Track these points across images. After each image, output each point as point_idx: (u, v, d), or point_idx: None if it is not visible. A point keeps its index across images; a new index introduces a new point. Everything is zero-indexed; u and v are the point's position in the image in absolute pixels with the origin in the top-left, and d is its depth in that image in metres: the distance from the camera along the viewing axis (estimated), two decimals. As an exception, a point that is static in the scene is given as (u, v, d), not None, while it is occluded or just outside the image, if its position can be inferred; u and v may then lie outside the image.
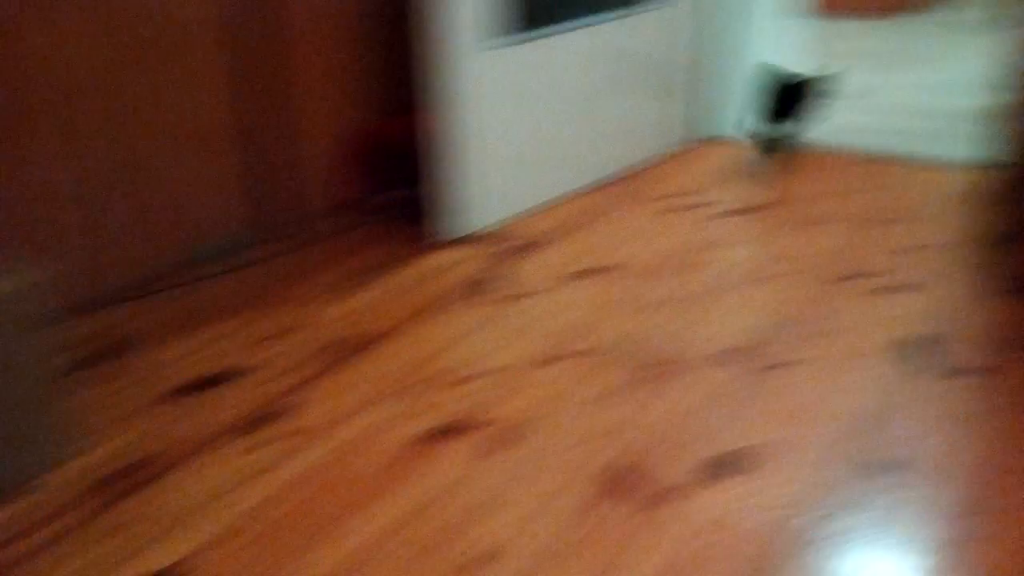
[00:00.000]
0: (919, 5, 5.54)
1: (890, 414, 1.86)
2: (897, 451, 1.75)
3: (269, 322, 2.44)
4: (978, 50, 4.65)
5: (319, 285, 2.64)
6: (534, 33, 2.86)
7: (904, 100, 3.89)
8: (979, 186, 2.89)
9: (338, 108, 3.18)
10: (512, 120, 2.91)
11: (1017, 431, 1.77)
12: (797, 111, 3.15)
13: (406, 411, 2.00)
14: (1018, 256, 2.22)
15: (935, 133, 3.44)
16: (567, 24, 2.93)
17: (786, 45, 3.89)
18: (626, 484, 1.73)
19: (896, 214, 2.75)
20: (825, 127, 3.60)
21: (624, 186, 3.17)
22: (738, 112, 3.43)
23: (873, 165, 3.16)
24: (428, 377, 2.13)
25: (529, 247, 2.78)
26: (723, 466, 1.75)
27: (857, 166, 3.15)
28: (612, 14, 3.03)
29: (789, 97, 3.12)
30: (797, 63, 3.65)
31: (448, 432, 1.93)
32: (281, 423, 1.99)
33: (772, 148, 3.21)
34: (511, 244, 2.81)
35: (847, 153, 3.30)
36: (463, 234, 2.90)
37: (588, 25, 2.97)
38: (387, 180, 3.16)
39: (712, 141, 3.54)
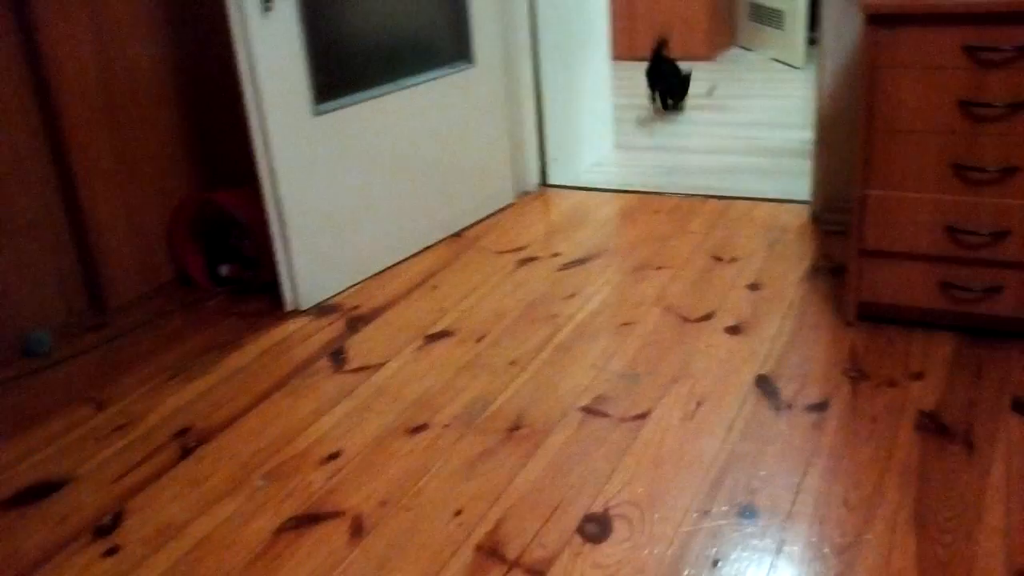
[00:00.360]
0: (710, 50, 5.88)
1: (746, 456, 1.93)
2: (757, 494, 1.81)
3: (106, 417, 2.28)
4: (794, 85, 4.97)
5: (158, 371, 2.50)
6: (356, 97, 2.85)
7: (727, 139, 4.10)
8: (807, 221, 3.07)
9: (172, 183, 3.05)
10: (344, 185, 2.87)
11: (860, 463, 1.87)
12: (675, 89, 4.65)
13: (266, 499, 1.91)
14: (850, 287, 2.37)
15: (761, 170, 3.64)
16: (387, 87, 2.93)
17: (607, 89, 4.04)
18: (503, 555, 1.71)
19: (734, 253, 2.89)
20: (654, 170, 3.75)
21: (466, 242, 3.18)
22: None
23: (705, 205, 3.31)
24: (286, 460, 2.05)
25: (377, 313, 2.74)
26: (599, 525, 1.76)
27: (689, 207, 3.29)
28: (428, 76, 3.06)
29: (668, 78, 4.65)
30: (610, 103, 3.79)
31: (314, 517, 1.85)
32: (131, 526, 1.86)
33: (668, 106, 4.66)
34: (358, 312, 2.76)
35: (679, 195, 3.44)
36: (308, 306, 2.82)
37: (407, 87, 2.99)
38: (227, 254, 3.04)
39: (545, 192, 3.62)
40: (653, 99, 4.80)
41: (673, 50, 6.00)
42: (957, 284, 2.24)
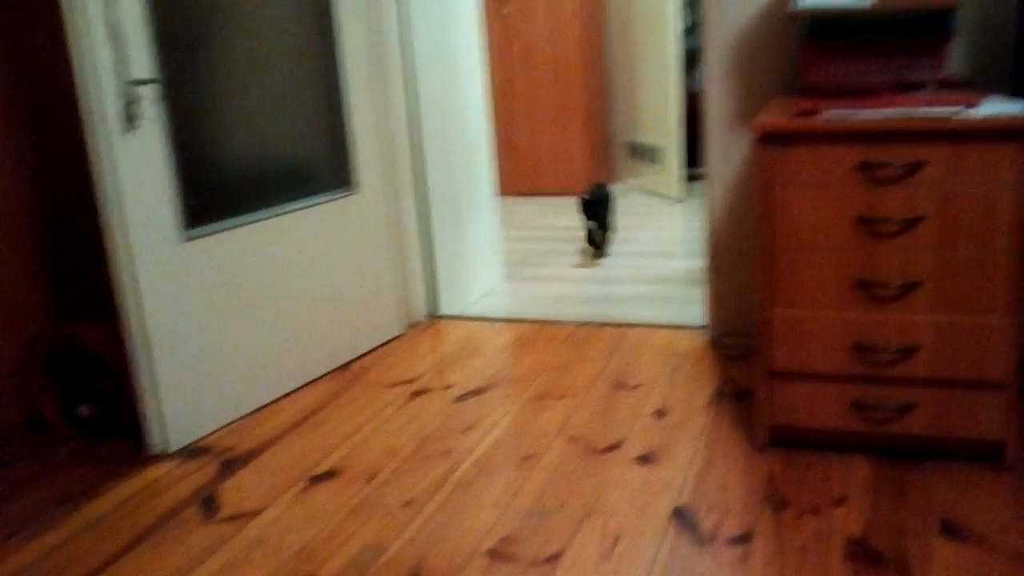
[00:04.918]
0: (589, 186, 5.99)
1: (671, 595, 1.75)
2: (688, 636, 1.63)
3: (-73, 586, 1.94)
4: (674, 218, 5.04)
5: (1, 524, 2.17)
6: (229, 223, 2.67)
7: (615, 268, 4.07)
8: (704, 345, 3.01)
9: (24, 315, 2.76)
10: (216, 316, 2.65)
11: (795, 595, 1.73)
12: (605, 212, 4.34)
13: None
14: (760, 410, 2.27)
15: (652, 298, 3.60)
16: (263, 212, 2.77)
17: (494, 221, 3.98)
18: None
19: (636, 379, 2.78)
20: (546, 299, 3.66)
21: (353, 376, 2.98)
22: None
23: (601, 332, 3.22)
24: (147, 629, 1.76)
25: (254, 455, 2.48)
26: None
27: (586, 335, 3.19)
28: (307, 202, 2.92)
29: (598, 206, 4.30)
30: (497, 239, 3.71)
31: None
32: None
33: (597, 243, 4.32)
34: (233, 453, 2.50)
35: (571, 323, 3.34)
36: (176, 448, 2.54)
37: (287, 213, 2.83)
38: (85, 394, 2.74)
39: (436, 320, 3.47)
40: (594, 238, 4.35)
41: (553, 185, 6.09)
42: (869, 404, 2.17)
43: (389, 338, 3.30)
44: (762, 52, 2.76)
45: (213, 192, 2.65)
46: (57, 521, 2.19)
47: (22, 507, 2.27)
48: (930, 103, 2.07)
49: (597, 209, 4.31)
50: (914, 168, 2.02)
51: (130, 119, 2.36)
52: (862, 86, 2.33)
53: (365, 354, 3.18)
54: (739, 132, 2.86)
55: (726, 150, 2.89)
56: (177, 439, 2.55)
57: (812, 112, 2.12)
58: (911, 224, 2.05)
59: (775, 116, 2.15)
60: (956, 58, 2.58)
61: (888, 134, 2.02)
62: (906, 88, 2.29)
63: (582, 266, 4.16)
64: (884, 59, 2.40)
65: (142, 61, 2.37)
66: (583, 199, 4.30)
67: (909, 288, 2.08)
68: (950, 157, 1.99)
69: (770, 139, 2.11)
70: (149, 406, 2.50)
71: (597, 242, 4.34)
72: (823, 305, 2.15)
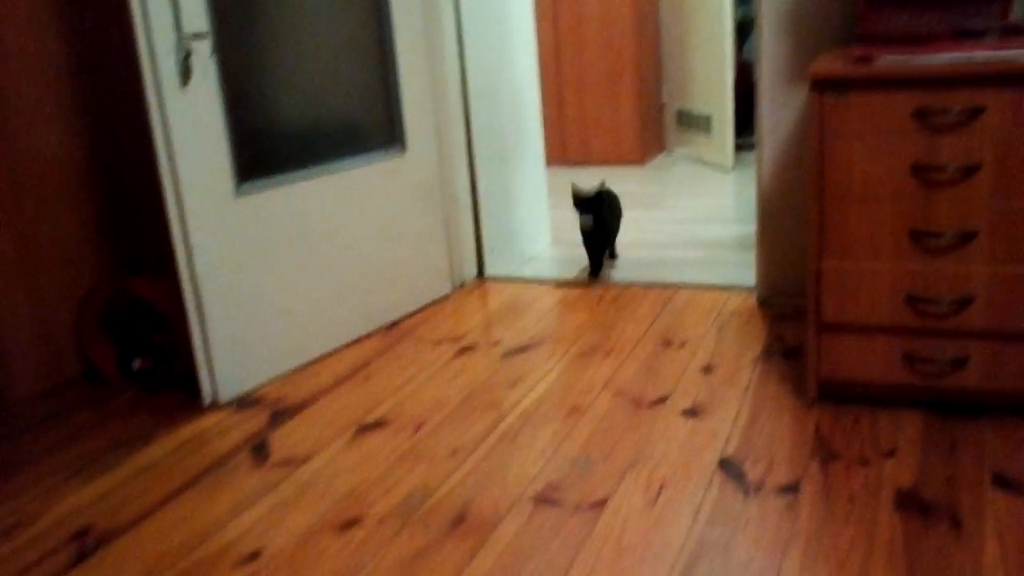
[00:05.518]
0: (640, 155, 5.94)
1: (716, 543, 1.75)
2: (733, 579, 1.63)
3: (-10, 521, 2.01)
4: (724, 186, 4.98)
5: (58, 469, 2.23)
6: (282, 179, 2.70)
7: (665, 233, 4.05)
8: (753, 306, 2.98)
9: (81, 271, 2.82)
10: (268, 272, 2.68)
11: (840, 545, 1.71)
12: (602, 214, 3.44)
13: (174, 608, 1.66)
14: (810, 364, 2.25)
15: (702, 262, 3.57)
16: (315, 170, 2.79)
17: (542, 185, 3.97)
18: (451, 660, 1.48)
19: (683, 337, 2.76)
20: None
21: (400, 333, 3.00)
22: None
23: (649, 293, 3.20)
24: (198, 562, 1.80)
25: (303, 406, 2.52)
26: (556, 622, 1.55)
27: (633, 295, 3.18)
28: (359, 160, 2.94)
29: (594, 203, 3.41)
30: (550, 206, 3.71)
31: (229, 627, 1.60)
32: (9, 646, 1.58)
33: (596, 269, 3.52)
34: (283, 404, 2.54)
35: (621, 284, 3.33)
36: (228, 399, 2.59)
37: (338, 171, 2.85)
38: (140, 347, 2.80)
39: (483, 281, 3.47)
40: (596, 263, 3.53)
41: (603, 156, 6.05)
42: (921, 357, 2.13)
43: (436, 298, 3.32)
44: (817, 6, 2.71)
45: (265, 148, 2.68)
46: (113, 464, 2.25)
47: (80, 451, 2.33)
48: (992, 49, 2.02)
49: (593, 206, 3.41)
50: (973, 114, 1.97)
51: (185, 74, 2.39)
52: (921, 33, 2.28)
53: (413, 313, 3.20)
54: (793, 91, 2.81)
55: (779, 109, 2.84)
56: (229, 390, 2.59)
57: (869, 58, 2.07)
58: (968, 172, 2.00)
59: (831, 62, 2.11)
60: (1020, 6, 2.50)
61: (948, 79, 1.97)
62: (967, 35, 2.24)
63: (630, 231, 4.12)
64: (945, 6, 2.33)
65: (197, 14, 2.40)
66: (576, 193, 3.44)
67: (964, 238, 2.03)
68: (1012, 103, 1.94)
69: (825, 86, 2.07)
70: (202, 358, 2.54)
71: (594, 252, 3.48)
72: (875, 256, 2.11)
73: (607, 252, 3.66)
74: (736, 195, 4.77)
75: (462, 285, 3.47)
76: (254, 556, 1.81)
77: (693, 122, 5.81)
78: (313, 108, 2.82)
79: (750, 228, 3.99)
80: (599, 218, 3.43)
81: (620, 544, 1.76)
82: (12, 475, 2.23)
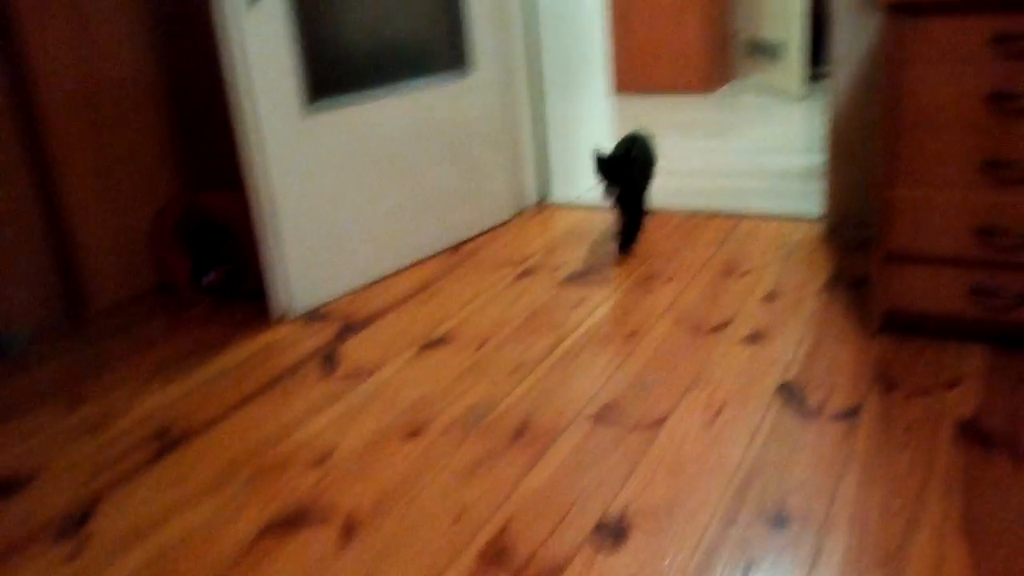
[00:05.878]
0: (708, 84, 5.83)
1: (773, 463, 1.78)
2: (787, 502, 1.66)
3: (80, 416, 2.12)
4: (793, 116, 4.90)
5: (138, 372, 2.34)
6: (350, 98, 2.73)
7: (731, 163, 4.01)
8: (820, 236, 2.96)
9: (157, 184, 2.91)
10: (337, 189, 2.74)
11: (897, 471, 1.73)
12: (632, 180, 2.92)
13: (248, 501, 1.75)
14: (875, 294, 2.24)
15: (768, 191, 3.54)
16: (383, 89, 2.81)
17: (606, 113, 3.95)
18: (509, 563, 1.54)
19: (747, 266, 2.76)
20: (657, 190, 3.63)
21: (463, 255, 3.04)
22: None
23: (712, 222, 3.19)
24: (272, 462, 1.88)
25: (370, 321, 2.59)
26: (613, 533, 1.60)
27: (696, 224, 3.17)
28: (425, 80, 2.95)
29: (620, 170, 2.87)
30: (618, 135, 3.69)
31: (301, 520, 1.68)
32: (99, 525, 1.69)
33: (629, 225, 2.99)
34: (352, 319, 2.61)
35: (683, 213, 3.32)
36: (298, 313, 2.67)
37: (405, 92, 2.87)
38: (213, 260, 2.89)
39: (546, 207, 3.49)
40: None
41: (670, 84, 5.96)
42: (989, 290, 2.11)
43: (499, 222, 3.35)
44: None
45: (334, 67, 2.70)
46: (189, 370, 2.35)
47: (158, 357, 2.44)
48: (1081, -27, 1.94)
49: (621, 171, 2.87)
50: (1058, 41, 1.91)
51: (257, -10, 2.42)
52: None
53: (476, 236, 3.24)
54: (867, 17, 2.74)
55: (853, 36, 2.77)
56: (299, 305, 2.67)
57: (950, -18, 2.01)
58: (1050, 102, 1.95)
59: (909, -14, 2.05)
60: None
61: (1032, 5, 1.91)
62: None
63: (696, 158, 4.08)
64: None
65: (269, -69, 2.41)
66: (598, 158, 2.87)
67: (1042, 170, 1.99)
68: (1099, 30, 1.88)
69: (900, 10, 2.02)
70: (273, 273, 2.62)
71: (625, 226, 2.97)
72: (947, 186, 2.08)
73: (640, 219, 3.01)
74: (805, 125, 4.68)
75: (525, 210, 3.49)
76: (325, 457, 1.89)
77: (764, 50, 5.68)
78: (381, 28, 2.83)
79: (817, 159, 3.93)
80: (628, 186, 2.90)
81: (677, 461, 1.80)
82: (96, 377, 2.34)
